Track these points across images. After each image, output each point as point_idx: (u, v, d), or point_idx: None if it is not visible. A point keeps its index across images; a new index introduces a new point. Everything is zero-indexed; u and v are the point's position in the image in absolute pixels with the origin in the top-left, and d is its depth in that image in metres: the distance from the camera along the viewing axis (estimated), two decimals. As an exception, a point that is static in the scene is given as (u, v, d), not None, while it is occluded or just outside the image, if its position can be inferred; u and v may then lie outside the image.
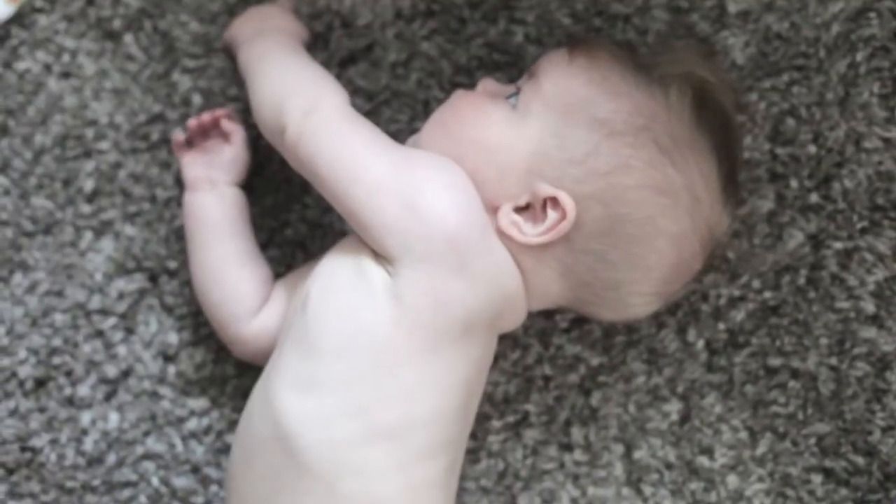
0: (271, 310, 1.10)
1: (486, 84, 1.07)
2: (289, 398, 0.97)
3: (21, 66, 1.18)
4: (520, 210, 1.01)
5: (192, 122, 1.15)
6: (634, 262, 1.00)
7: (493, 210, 1.00)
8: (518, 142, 1.00)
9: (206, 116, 1.15)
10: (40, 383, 1.16)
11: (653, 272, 1.01)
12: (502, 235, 1.00)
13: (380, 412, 0.96)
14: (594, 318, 1.10)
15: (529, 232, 1.00)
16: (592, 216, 0.99)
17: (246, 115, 1.17)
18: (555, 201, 0.99)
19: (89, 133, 1.18)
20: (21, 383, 1.16)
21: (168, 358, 1.17)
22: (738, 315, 1.15)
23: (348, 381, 0.96)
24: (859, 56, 1.15)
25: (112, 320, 1.17)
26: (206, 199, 1.13)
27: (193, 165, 1.14)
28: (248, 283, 1.11)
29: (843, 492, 1.13)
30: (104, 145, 1.18)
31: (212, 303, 1.11)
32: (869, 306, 1.13)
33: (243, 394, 1.16)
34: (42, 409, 1.16)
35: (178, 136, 1.15)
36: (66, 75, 1.19)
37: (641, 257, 1.00)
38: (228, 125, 1.15)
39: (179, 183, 1.18)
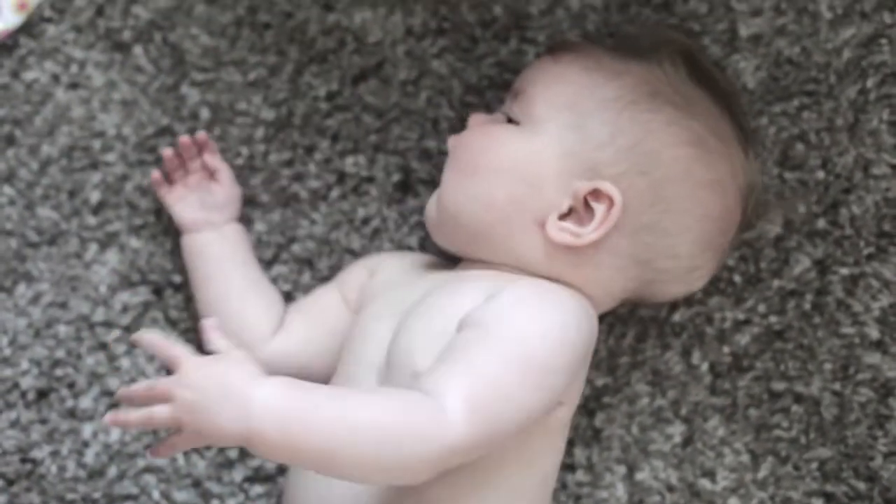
0: (287, 336, 1.10)
1: (476, 118, 1.07)
2: None
3: (29, 75, 1.18)
4: (564, 217, 1.00)
5: (168, 153, 1.14)
6: (685, 220, 1.01)
7: (540, 226, 1.00)
8: (539, 151, 1.00)
9: (184, 141, 1.14)
10: (42, 394, 1.16)
11: (704, 225, 1.02)
12: (558, 251, 1.00)
13: None
14: (658, 301, 1.08)
15: (583, 232, 0.99)
16: (636, 191, 0.99)
17: (247, 129, 1.17)
18: (596, 193, 0.99)
19: (96, 144, 1.18)
20: (23, 394, 1.16)
21: (171, 371, 1.16)
22: (743, 339, 1.15)
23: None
24: (870, 82, 1.15)
25: (116, 333, 1.17)
26: (208, 238, 1.13)
27: (186, 208, 1.14)
28: (258, 310, 1.11)
29: (845, 517, 1.13)
30: (111, 157, 1.18)
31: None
32: (873, 332, 1.14)
33: (246, 408, 1.15)
34: (43, 421, 1.16)
35: (156, 174, 1.15)
36: (73, 86, 1.19)
37: (690, 213, 1.01)
38: (213, 162, 1.15)
39: (186, 196, 1.18)
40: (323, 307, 1.12)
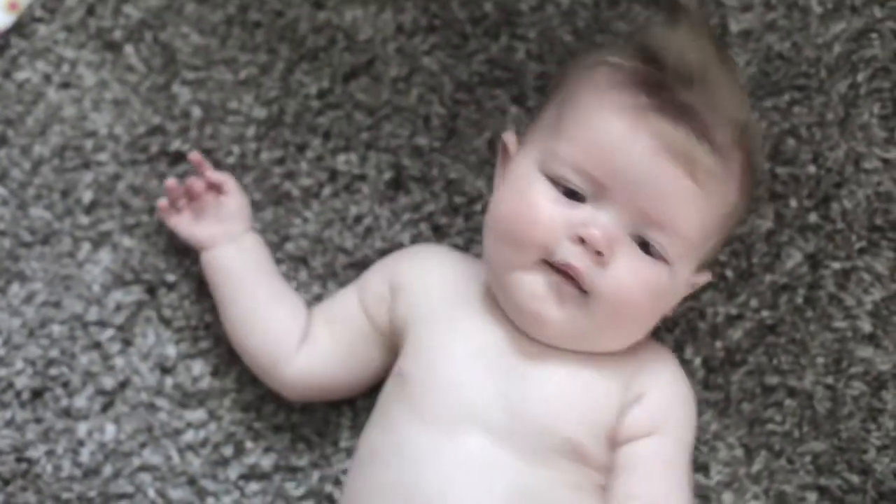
0: (313, 347, 1.10)
1: (611, 240, 0.99)
2: None
3: (20, 76, 1.18)
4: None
5: (171, 182, 1.14)
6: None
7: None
8: (683, 282, 1.05)
9: (196, 184, 1.13)
10: (37, 394, 1.16)
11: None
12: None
13: None
14: None
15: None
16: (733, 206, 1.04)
17: (240, 127, 1.17)
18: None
19: (88, 144, 1.18)
20: (18, 394, 1.16)
21: (165, 370, 1.17)
22: (736, 333, 1.15)
23: None
24: (860, 77, 1.15)
25: (109, 332, 1.17)
26: (229, 252, 1.12)
27: (202, 226, 1.14)
28: (284, 322, 1.11)
29: (838, 510, 1.13)
30: (103, 156, 1.18)
31: (252, 350, 1.11)
32: (866, 326, 1.14)
33: (241, 406, 1.16)
34: (38, 420, 1.16)
35: (163, 203, 1.14)
36: (65, 86, 1.19)
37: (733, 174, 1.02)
38: (216, 176, 1.14)
39: (179, 196, 1.18)
40: (345, 317, 1.11)
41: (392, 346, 1.09)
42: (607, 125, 0.98)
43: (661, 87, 0.98)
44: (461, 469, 0.98)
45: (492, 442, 0.99)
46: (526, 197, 1.00)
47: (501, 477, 0.98)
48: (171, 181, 1.14)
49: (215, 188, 1.14)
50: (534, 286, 0.99)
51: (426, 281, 1.08)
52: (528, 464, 0.98)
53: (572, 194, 0.99)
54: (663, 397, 1.03)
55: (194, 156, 1.14)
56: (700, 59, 0.99)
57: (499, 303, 1.03)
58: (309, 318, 1.12)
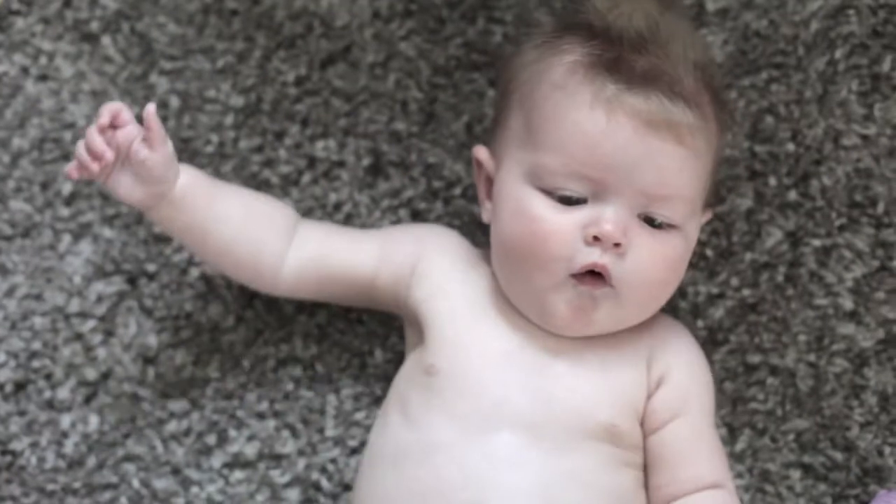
0: (301, 247, 1.08)
1: (619, 227, 0.99)
2: None
3: (-3, 68, 1.18)
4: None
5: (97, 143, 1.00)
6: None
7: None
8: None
9: (104, 119, 1.00)
10: (20, 387, 1.16)
11: None
12: None
13: None
14: None
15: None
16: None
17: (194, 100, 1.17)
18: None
19: (67, 136, 1.18)
20: (1, 387, 1.16)
21: (147, 360, 1.17)
22: (717, 312, 1.15)
23: None
24: (838, 53, 1.15)
25: (91, 323, 1.17)
26: (166, 212, 1.04)
27: (127, 188, 1.02)
28: (263, 234, 1.06)
29: (822, 487, 1.13)
30: (82, 148, 1.18)
31: (235, 268, 1.07)
32: (847, 303, 1.14)
33: (224, 395, 1.16)
34: (22, 413, 1.16)
35: (70, 168, 1.01)
36: (43, 78, 1.19)
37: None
38: (147, 129, 1.01)
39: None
40: (354, 248, 1.08)
41: (390, 301, 1.08)
42: (585, 124, 0.98)
43: (620, 64, 0.98)
44: (491, 466, 0.98)
45: (523, 437, 0.99)
46: (528, 217, 0.99)
47: (532, 471, 0.98)
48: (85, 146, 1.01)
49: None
50: (571, 303, 1.00)
51: (449, 277, 1.06)
52: (562, 453, 0.99)
53: (570, 200, 0.99)
54: (685, 375, 1.04)
55: (108, 117, 1.00)
56: (645, 19, 0.99)
57: (529, 315, 1.03)
58: (300, 224, 1.08)
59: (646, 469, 1.03)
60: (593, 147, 0.97)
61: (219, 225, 1.05)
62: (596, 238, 0.98)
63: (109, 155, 0.99)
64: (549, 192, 0.99)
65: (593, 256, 0.98)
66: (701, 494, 1.01)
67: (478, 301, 1.05)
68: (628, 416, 1.02)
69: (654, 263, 1.00)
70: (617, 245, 0.98)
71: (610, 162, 0.97)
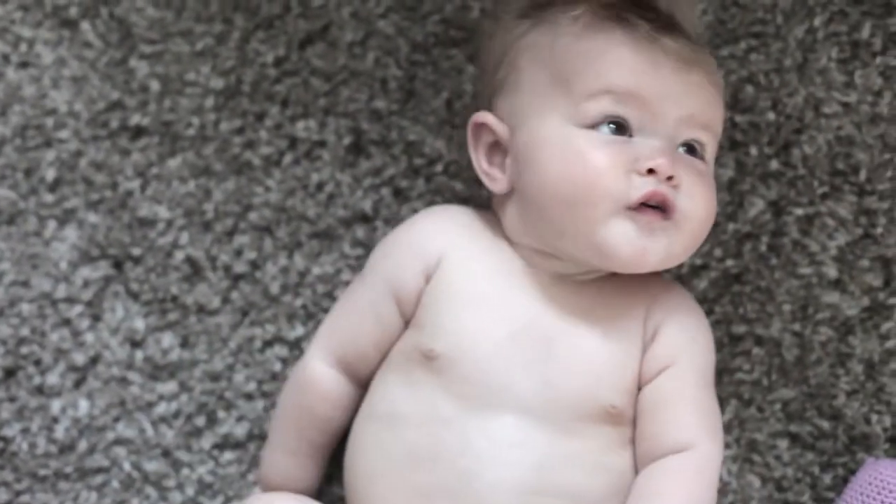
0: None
1: (667, 161, 0.99)
2: None
3: (-22, 57, 1.19)
4: None
5: None
6: None
7: None
8: None
9: None
10: (9, 373, 1.17)
11: None
12: None
13: None
14: None
15: None
16: None
17: (210, 98, 1.17)
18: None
19: (49, 122, 1.18)
20: (-10, 373, 1.17)
21: (135, 344, 1.17)
22: (701, 283, 1.15)
23: None
24: (817, 21, 1.14)
25: (78, 308, 1.18)
26: None
27: None
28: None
29: (810, 456, 1.13)
30: (64, 134, 1.18)
31: None
32: (831, 271, 1.14)
33: (212, 376, 1.16)
34: (12, 399, 1.17)
35: None
36: (24, 65, 1.19)
37: None
38: None
39: (139, 171, 1.18)
40: (382, 326, 1.06)
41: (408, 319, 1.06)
42: (628, 59, 0.98)
43: (644, 8, 1.00)
44: (491, 444, 0.98)
45: (525, 421, 0.98)
46: (579, 154, 0.98)
47: (532, 451, 0.98)
48: None
49: None
50: (628, 234, 0.98)
51: (451, 259, 1.04)
52: (563, 436, 0.99)
53: (618, 130, 0.99)
54: (678, 329, 1.03)
55: None
56: None
57: (591, 256, 1.01)
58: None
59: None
60: (639, 76, 0.98)
61: None
62: (650, 171, 0.97)
63: None
64: (588, 125, 0.99)
65: (650, 185, 0.97)
66: (666, 460, 0.99)
67: (479, 281, 1.03)
68: (630, 392, 1.01)
69: (703, 196, 0.99)
70: (670, 178, 0.98)
71: (656, 92, 0.98)
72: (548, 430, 0.98)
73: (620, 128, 0.98)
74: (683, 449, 0.99)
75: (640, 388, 1.02)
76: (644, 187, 0.97)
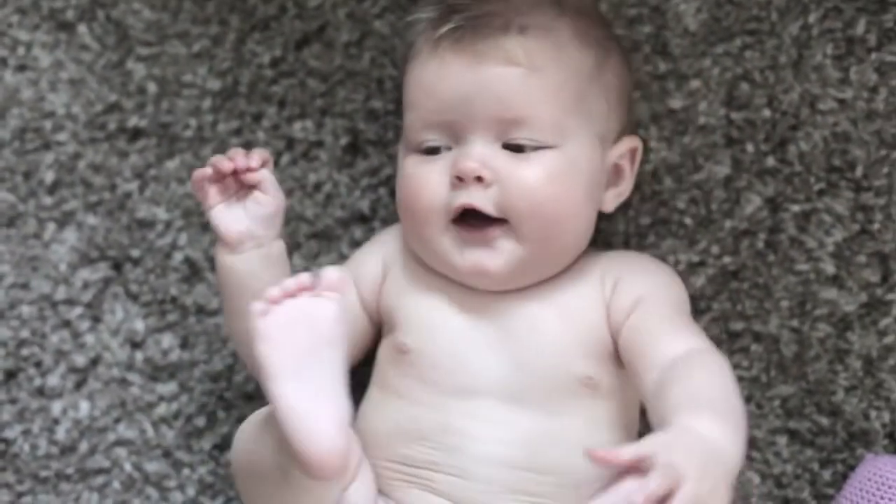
0: None
1: (479, 157, 1.00)
2: None
3: (-24, 60, 1.19)
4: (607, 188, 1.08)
5: (225, 164, 1.04)
6: None
7: (596, 209, 1.07)
8: (589, 157, 1.04)
9: (240, 162, 1.04)
10: (10, 375, 1.17)
11: None
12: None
13: None
14: None
15: (622, 190, 1.09)
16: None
17: (212, 100, 1.17)
18: (631, 153, 1.08)
19: (47, 125, 1.19)
20: (-9, 376, 1.18)
21: (135, 345, 1.18)
22: (699, 280, 1.15)
23: None
24: (812, 17, 1.14)
25: (78, 310, 1.18)
26: (252, 261, 1.04)
27: (231, 219, 1.05)
28: None
29: (809, 452, 1.13)
30: (62, 136, 1.19)
31: None
32: (829, 267, 1.14)
33: (212, 377, 1.17)
34: (13, 401, 1.17)
35: (203, 172, 1.04)
36: (21, 68, 1.19)
37: None
38: (257, 176, 1.04)
39: (138, 172, 1.19)
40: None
41: (376, 321, 1.08)
42: (422, 75, 1.02)
43: (450, 14, 1.01)
44: (475, 423, 0.99)
45: (504, 401, 1.00)
46: (404, 178, 1.03)
47: (516, 428, 0.99)
48: (222, 162, 1.04)
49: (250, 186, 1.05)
50: (459, 249, 1.01)
51: (407, 258, 1.07)
52: (546, 415, 1.00)
53: (434, 150, 1.02)
54: (639, 275, 1.04)
55: (256, 157, 1.05)
56: None
57: (450, 276, 1.04)
58: None
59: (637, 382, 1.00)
60: (432, 93, 1.01)
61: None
62: (459, 179, 0.99)
63: (242, 163, 1.03)
64: (416, 150, 1.02)
65: (461, 198, 0.99)
66: (681, 359, 0.94)
67: (428, 277, 1.05)
68: (601, 360, 1.01)
69: (528, 183, 0.99)
70: (479, 179, 0.99)
71: (450, 100, 1.00)
72: (529, 410, 0.99)
73: (433, 150, 1.01)
74: (686, 354, 0.95)
75: (616, 343, 1.01)
76: (456, 199, 0.99)
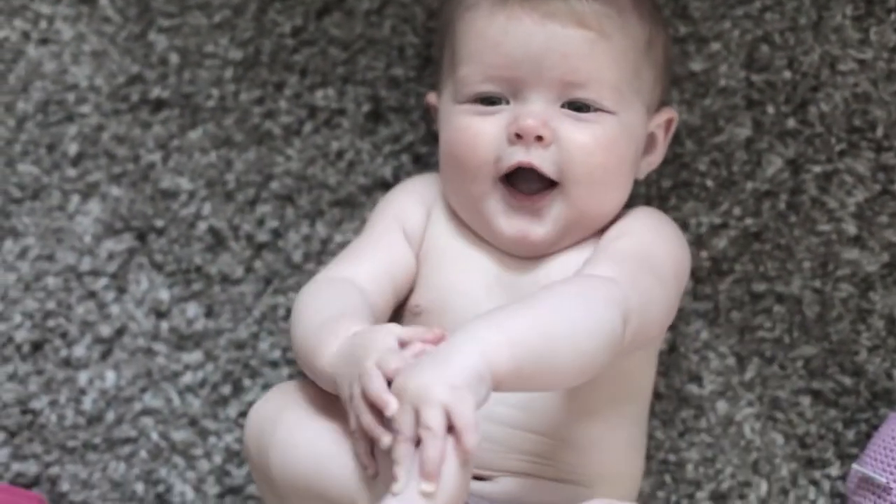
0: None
1: (539, 119, 1.00)
2: None
3: (-1, 34, 1.20)
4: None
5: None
6: None
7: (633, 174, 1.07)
8: (638, 123, 1.05)
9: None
10: (37, 346, 1.18)
11: None
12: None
13: None
14: None
15: (655, 159, 1.10)
16: None
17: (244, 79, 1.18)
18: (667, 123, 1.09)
19: (70, 97, 1.19)
20: (18, 347, 1.18)
21: (160, 314, 1.19)
22: (721, 242, 1.15)
23: None
24: (830, -22, 1.15)
25: (103, 280, 1.19)
26: None
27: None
28: None
29: (832, 412, 1.14)
30: (86, 108, 1.19)
31: None
32: (850, 228, 1.14)
33: (236, 345, 1.17)
34: (40, 372, 1.18)
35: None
36: (44, 41, 1.20)
37: None
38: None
39: (161, 143, 1.19)
40: (393, 255, 1.05)
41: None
42: (487, 28, 1.00)
43: None
44: None
45: None
46: (455, 129, 1.02)
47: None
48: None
49: None
50: (506, 212, 1.01)
51: (438, 214, 1.07)
52: None
53: (490, 101, 1.01)
54: (629, 219, 1.03)
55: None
56: None
57: (484, 236, 1.04)
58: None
59: None
60: (497, 46, 1.00)
61: None
62: (518, 136, 0.99)
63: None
64: (470, 101, 1.01)
65: (517, 155, 0.99)
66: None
67: (458, 237, 1.05)
68: None
69: (585, 146, 0.99)
70: (539, 138, 0.98)
71: (517, 56, 0.99)
72: None
73: (491, 100, 1.01)
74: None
75: None
76: (511, 157, 0.99)
